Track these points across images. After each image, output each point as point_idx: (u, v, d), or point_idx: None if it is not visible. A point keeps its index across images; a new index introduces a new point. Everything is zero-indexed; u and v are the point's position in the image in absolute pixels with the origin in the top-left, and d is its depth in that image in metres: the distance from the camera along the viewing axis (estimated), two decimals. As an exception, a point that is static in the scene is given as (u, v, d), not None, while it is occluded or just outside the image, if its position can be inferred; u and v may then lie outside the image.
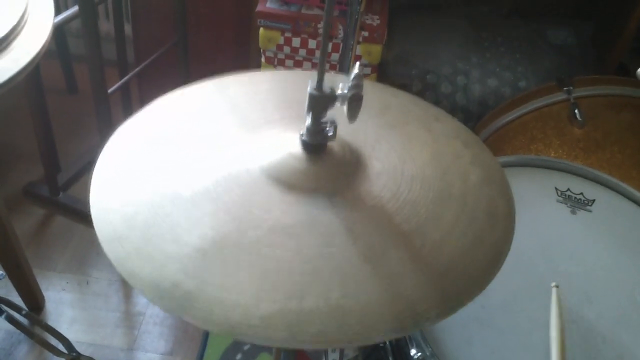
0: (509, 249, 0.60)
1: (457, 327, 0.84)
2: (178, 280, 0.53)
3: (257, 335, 0.50)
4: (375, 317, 0.52)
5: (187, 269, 0.54)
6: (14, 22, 0.92)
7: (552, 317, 0.80)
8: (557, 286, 0.83)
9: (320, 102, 0.62)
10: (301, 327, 0.50)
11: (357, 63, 0.65)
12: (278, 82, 0.82)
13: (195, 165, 0.65)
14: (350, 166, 0.66)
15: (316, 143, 0.64)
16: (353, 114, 0.62)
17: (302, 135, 0.65)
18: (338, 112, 0.63)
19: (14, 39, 0.91)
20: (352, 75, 0.61)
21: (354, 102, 0.61)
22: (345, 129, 0.66)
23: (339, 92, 0.62)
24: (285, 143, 0.66)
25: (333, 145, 0.66)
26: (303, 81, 0.64)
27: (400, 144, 0.71)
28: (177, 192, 0.61)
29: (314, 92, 0.61)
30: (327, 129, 0.64)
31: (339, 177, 0.64)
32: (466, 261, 0.58)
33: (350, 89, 0.61)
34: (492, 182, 0.69)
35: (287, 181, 0.63)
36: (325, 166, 0.65)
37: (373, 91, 0.79)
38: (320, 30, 0.59)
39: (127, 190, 0.62)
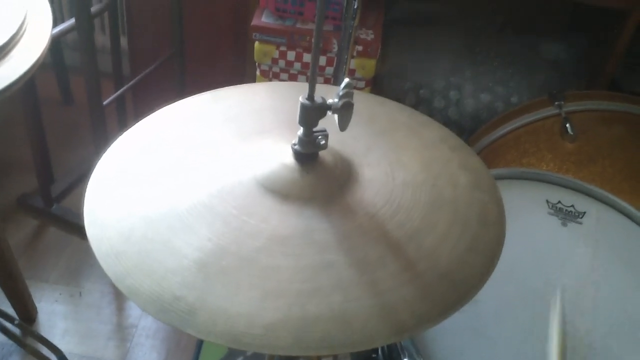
0: (500, 253, 0.62)
1: (449, 337, 0.84)
2: (179, 293, 0.54)
3: (262, 343, 0.50)
4: (378, 321, 0.53)
5: (187, 281, 0.54)
6: (14, 31, 0.93)
7: None
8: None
9: (311, 112, 0.63)
10: (306, 333, 0.51)
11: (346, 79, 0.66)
12: (271, 94, 0.83)
13: (190, 177, 0.65)
14: (342, 174, 0.67)
15: (308, 152, 0.66)
16: (344, 123, 0.63)
17: (294, 145, 0.66)
18: (329, 122, 0.64)
19: (13, 47, 0.92)
20: (342, 85, 0.62)
21: (345, 111, 0.62)
22: (336, 139, 0.67)
23: (329, 101, 0.63)
24: (279, 153, 0.67)
25: (325, 154, 0.67)
26: (296, 93, 0.65)
27: (390, 151, 0.72)
28: (173, 205, 0.62)
29: (306, 102, 0.62)
30: (319, 138, 0.65)
31: (332, 185, 0.65)
32: (461, 266, 0.59)
33: (340, 98, 0.62)
34: (482, 185, 0.70)
35: (281, 191, 0.63)
36: (318, 175, 0.66)
37: (360, 101, 0.80)
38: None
39: (122, 205, 0.62)
